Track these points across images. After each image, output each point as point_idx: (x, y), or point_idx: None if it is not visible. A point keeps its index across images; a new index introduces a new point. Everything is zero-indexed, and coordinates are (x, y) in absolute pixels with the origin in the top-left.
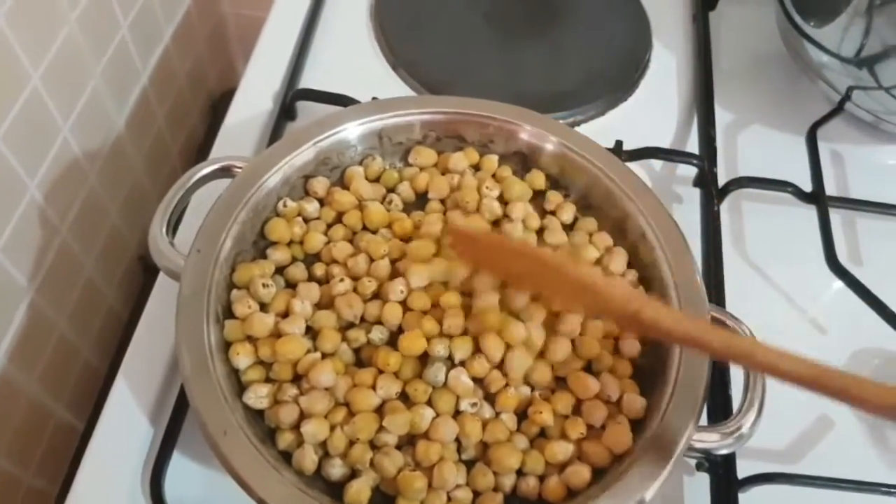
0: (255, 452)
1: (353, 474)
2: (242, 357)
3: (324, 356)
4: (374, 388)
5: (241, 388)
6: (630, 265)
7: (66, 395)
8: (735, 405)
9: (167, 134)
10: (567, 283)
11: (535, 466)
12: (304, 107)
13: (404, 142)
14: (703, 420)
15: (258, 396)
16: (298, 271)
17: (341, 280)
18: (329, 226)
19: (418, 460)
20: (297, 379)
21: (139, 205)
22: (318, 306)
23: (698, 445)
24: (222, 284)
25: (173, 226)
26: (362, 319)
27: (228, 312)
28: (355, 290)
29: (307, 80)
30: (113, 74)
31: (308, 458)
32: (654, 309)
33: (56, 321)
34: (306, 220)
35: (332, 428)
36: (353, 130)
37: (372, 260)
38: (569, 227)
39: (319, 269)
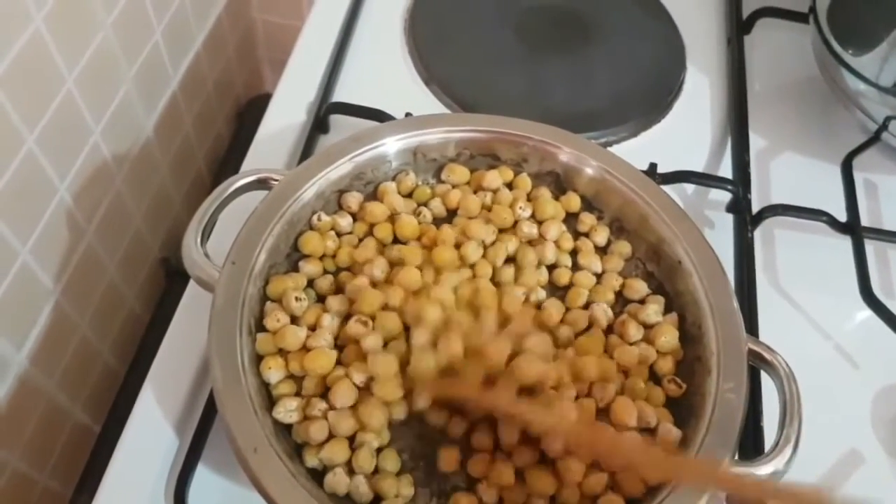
0: (285, 471)
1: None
2: (274, 371)
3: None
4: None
5: (270, 401)
6: (664, 292)
7: (84, 397)
8: (766, 437)
9: (194, 140)
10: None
11: (569, 497)
12: (336, 120)
13: (438, 158)
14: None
15: (288, 410)
16: (328, 284)
17: (364, 323)
18: (360, 240)
19: None
20: (327, 393)
21: (163, 209)
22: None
23: None
24: (255, 297)
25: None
26: None
27: (261, 325)
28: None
29: (340, 94)
30: (145, 79)
31: (342, 483)
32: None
33: (78, 323)
34: (339, 235)
35: (360, 446)
36: (389, 146)
37: (392, 265)
38: (602, 250)
39: (347, 279)
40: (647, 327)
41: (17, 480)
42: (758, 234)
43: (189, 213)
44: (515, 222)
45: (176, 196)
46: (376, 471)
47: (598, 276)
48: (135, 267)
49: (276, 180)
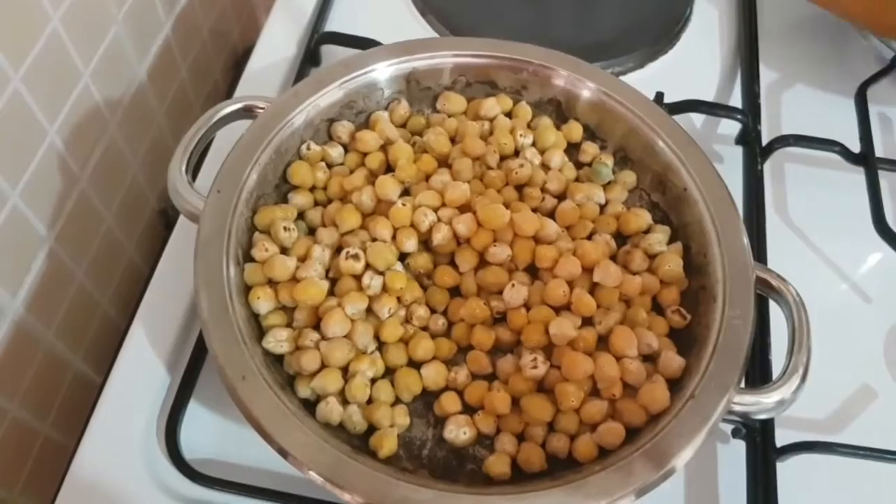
0: (275, 399)
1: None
2: (263, 301)
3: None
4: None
5: (260, 332)
6: (669, 221)
7: (85, 348)
8: (774, 371)
9: (190, 88)
10: None
11: (567, 424)
12: (329, 52)
13: (433, 87)
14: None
15: (278, 341)
16: (319, 216)
17: (354, 256)
18: (352, 172)
19: None
20: (319, 324)
21: (160, 159)
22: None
23: (738, 409)
24: (243, 227)
25: (193, 169)
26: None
27: (249, 256)
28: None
29: (332, 25)
30: (135, 22)
31: (335, 412)
32: None
33: (75, 272)
34: (329, 166)
35: (354, 375)
36: (381, 72)
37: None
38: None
39: (335, 208)
40: (651, 256)
41: (19, 429)
42: (768, 167)
43: None
44: (517, 152)
45: (173, 146)
46: (370, 401)
47: (602, 207)
48: (133, 217)
49: (263, 108)
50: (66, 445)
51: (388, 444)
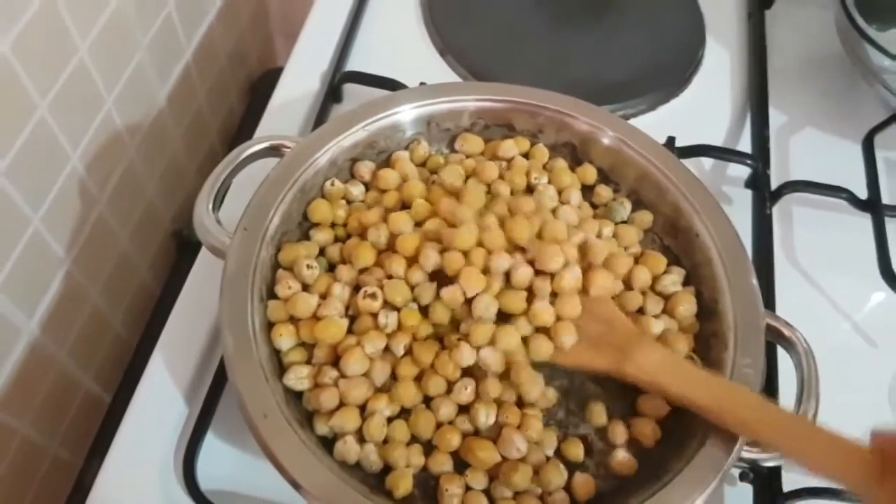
0: (295, 437)
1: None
2: (285, 338)
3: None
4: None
5: (281, 369)
6: (681, 265)
7: (95, 368)
8: None
9: (207, 112)
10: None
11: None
12: (350, 90)
13: (452, 128)
14: None
15: (299, 378)
16: (338, 252)
17: (372, 295)
18: (370, 208)
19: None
20: (338, 362)
21: (175, 181)
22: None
23: (748, 455)
24: (267, 264)
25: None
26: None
27: (272, 292)
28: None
29: (354, 64)
30: (158, 49)
31: (352, 451)
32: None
33: (90, 293)
34: (349, 203)
35: (372, 414)
36: (403, 115)
37: (394, 236)
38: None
39: (353, 244)
40: (665, 297)
41: (28, 448)
42: (776, 211)
43: (202, 185)
44: (530, 189)
45: (189, 168)
46: (386, 440)
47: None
48: (147, 238)
49: (289, 147)
50: (73, 464)
51: (403, 484)
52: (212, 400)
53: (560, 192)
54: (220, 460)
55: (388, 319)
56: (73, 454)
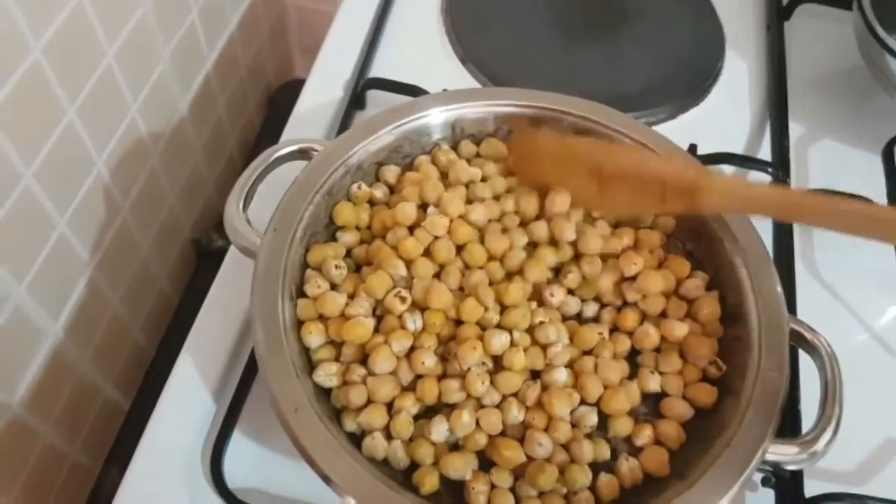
0: (326, 431)
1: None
2: (315, 336)
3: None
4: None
5: (311, 366)
6: (704, 270)
7: (115, 374)
8: (804, 421)
9: (226, 122)
10: (624, 166)
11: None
12: (373, 97)
13: (476, 133)
14: None
15: (328, 374)
16: (364, 253)
17: (401, 297)
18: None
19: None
20: (366, 360)
21: (195, 191)
22: None
23: (771, 458)
24: (296, 264)
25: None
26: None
27: (301, 292)
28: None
29: (377, 71)
30: (181, 58)
31: (380, 447)
32: (710, 178)
33: (111, 299)
34: (373, 205)
35: (399, 412)
36: (429, 119)
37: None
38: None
39: (377, 246)
40: (689, 301)
41: (49, 451)
42: None
43: (221, 195)
44: None
45: (208, 179)
46: (412, 438)
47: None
48: (167, 246)
49: (317, 150)
50: (92, 468)
51: (429, 481)
52: (239, 398)
53: None
54: (247, 458)
55: (415, 324)
56: (91, 459)
